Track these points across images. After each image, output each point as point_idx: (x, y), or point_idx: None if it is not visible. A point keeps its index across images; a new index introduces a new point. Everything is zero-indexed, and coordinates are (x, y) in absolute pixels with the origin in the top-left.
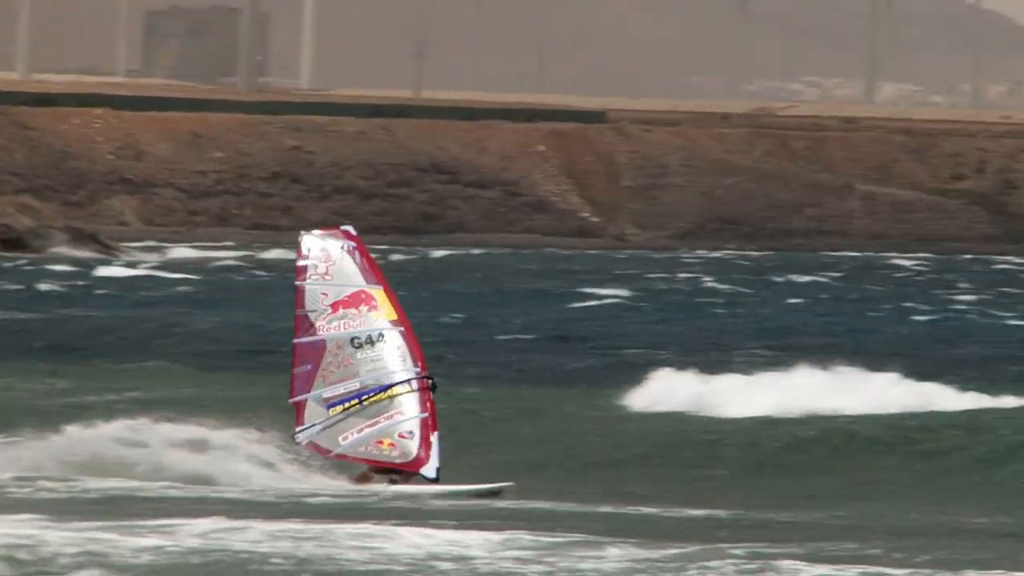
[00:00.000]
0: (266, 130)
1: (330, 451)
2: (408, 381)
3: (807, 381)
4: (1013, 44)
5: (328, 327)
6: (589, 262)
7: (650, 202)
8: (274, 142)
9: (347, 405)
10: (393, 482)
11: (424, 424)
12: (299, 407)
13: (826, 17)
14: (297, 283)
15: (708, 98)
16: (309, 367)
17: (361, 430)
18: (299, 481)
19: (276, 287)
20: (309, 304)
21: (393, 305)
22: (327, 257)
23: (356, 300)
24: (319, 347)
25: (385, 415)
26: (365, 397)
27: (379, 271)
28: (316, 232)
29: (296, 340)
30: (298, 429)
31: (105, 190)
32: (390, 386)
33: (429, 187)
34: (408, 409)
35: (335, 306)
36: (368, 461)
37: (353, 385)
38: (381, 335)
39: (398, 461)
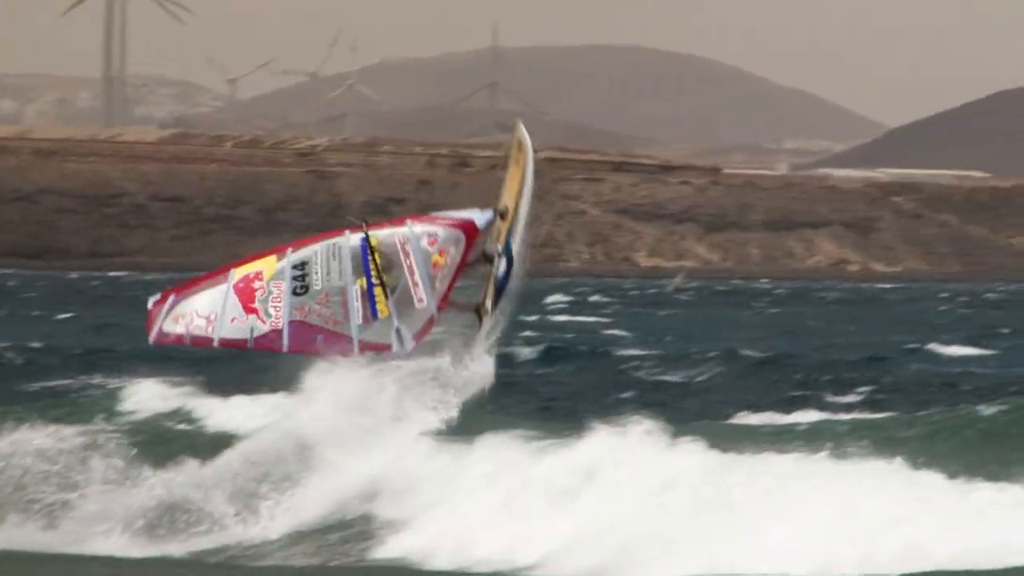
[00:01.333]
0: None
1: (431, 321)
2: (355, 245)
3: None
4: None
5: (278, 316)
6: None
7: None
8: None
9: (378, 303)
10: (485, 312)
11: (413, 237)
12: (378, 349)
13: None
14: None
15: None
16: (321, 338)
17: (417, 285)
18: None
19: None
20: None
21: (264, 255)
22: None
23: (248, 284)
24: (302, 329)
25: (399, 270)
26: (374, 285)
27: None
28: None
29: (292, 350)
30: (397, 351)
31: None
32: (360, 265)
33: None
34: (395, 255)
35: (247, 308)
36: (456, 276)
37: (354, 296)
38: (299, 264)
39: (459, 229)
